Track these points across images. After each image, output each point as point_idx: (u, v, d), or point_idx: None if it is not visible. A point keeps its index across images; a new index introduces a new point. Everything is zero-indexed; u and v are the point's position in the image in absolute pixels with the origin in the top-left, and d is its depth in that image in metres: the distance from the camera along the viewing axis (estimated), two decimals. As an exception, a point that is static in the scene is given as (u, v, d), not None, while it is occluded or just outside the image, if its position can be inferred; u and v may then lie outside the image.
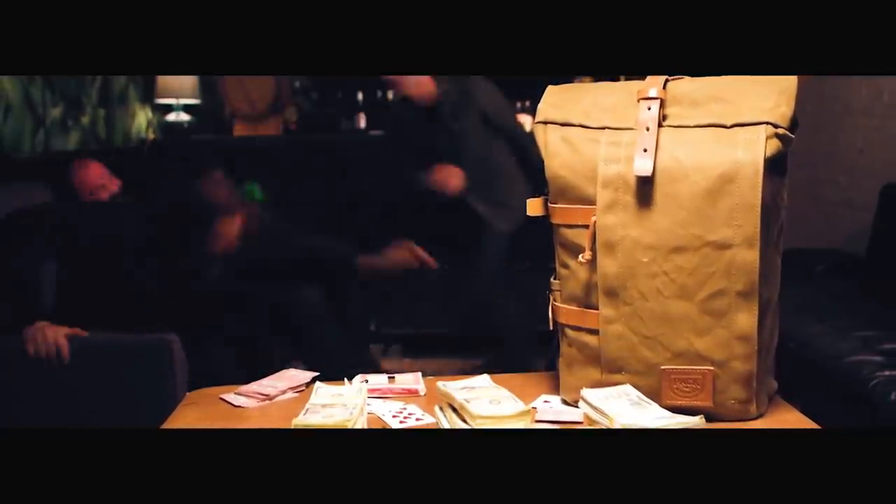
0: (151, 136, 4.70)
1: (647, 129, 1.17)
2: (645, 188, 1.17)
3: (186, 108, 4.81)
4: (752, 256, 1.14)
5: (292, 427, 1.11)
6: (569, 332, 1.28)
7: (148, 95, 4.63)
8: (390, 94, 4.89)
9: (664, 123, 1.19)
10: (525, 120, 5.26)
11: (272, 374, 1.46)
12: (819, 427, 1.19)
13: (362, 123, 6.01)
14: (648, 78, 1.22)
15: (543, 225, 1.30)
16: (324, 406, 1.17)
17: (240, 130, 4.81)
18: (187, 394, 1.43)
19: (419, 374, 1.45)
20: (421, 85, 3.16)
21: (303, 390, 1.41)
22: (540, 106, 1.29)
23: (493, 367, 2.41)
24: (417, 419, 1.26)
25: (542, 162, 1.26)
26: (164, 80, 4.62)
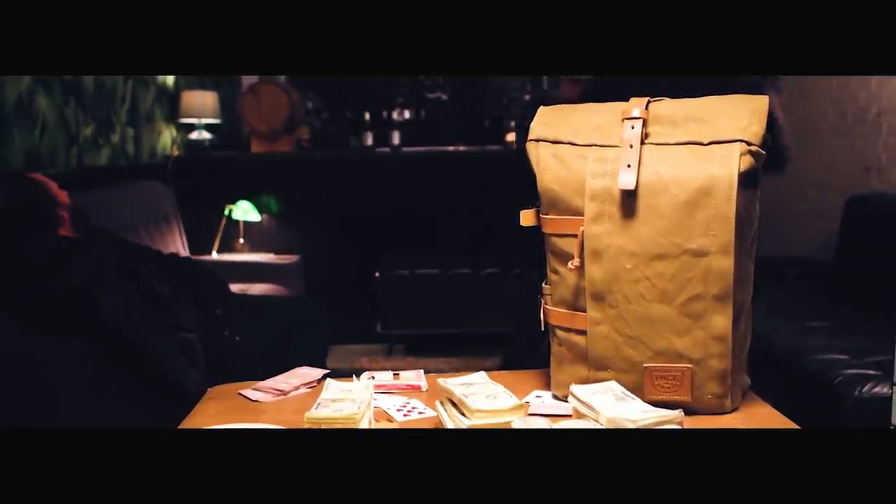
0: (176, 152, 4.71)
1: (631, 147, 1.18)
2: (629, 200, 1.17)
3: (208, 127, 4.82)
4: (727, 263, 1.14)
5: (305, 419, 1.11)
6: (559, 332, 1.28)
7: (173, 115, 4.64)
8: None
9: (646, 141, 1.19)
10: (513, 137, 5.28)
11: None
12: (786, 418, 1.20)
13: (369, 141, 6.01)
14: (632, 99, 1.22)
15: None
16: (334, 401, 1.17)
17: (256, 147, 4.81)
18: (209, 389, 1.43)
19: (421, 371, 1.45)
20: None
21: (315, 386, 1.41)
22: (532, 125, 1.29)
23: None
24: (420, 413, 1.26)
25: (535, 176, 1.26)
26: (188, 102, 4.62)
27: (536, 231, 1.29)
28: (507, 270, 4.03)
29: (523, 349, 3.10)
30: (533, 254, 1.37)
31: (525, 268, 3.94)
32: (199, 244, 4.28)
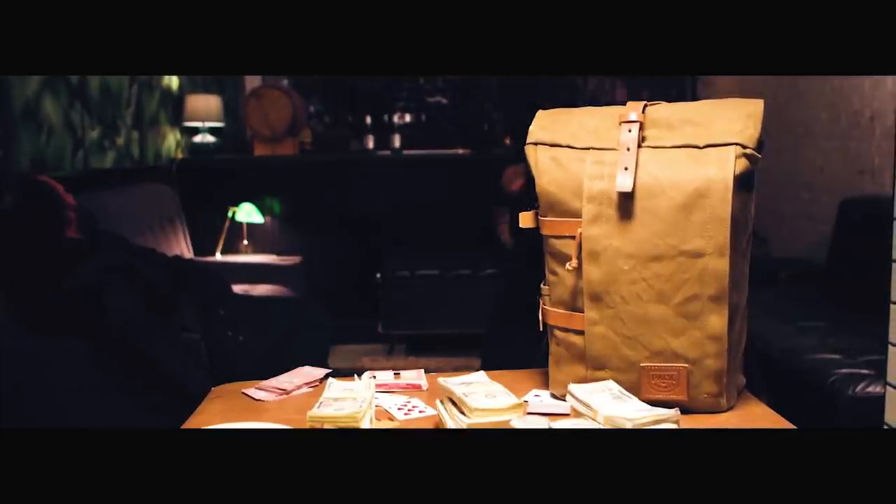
0: (180, 155, 4.71)
1: (628, 150, 1.18)
2: (626, 203, 1.17)
3: (211, 131, 4.82)
4: (722, 264, 1.14)
5: (307, 418, 1.11)
6: (557, 332, 1.28)
7: (177, 119, 4.64)
8: None
9: (643, 144, 1.19)
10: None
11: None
12: (781, 417, 1.20)
13: (370, 144, 6.02)
14: (629, 103, 1.23)
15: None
16: (336, 399, 1.17)
17: (259, 150, 4.81)
18: (212, 388, 1.42)
19: (422, 370, 1.45)
20: None
21: (317, 385, 1.41)
22: (531, 128, 1.29)
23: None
24: (420, 412, 1.26)
25: (534, 179, 1.26)
26: (192, 105, 4.63)
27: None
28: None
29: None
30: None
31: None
32: (203, 246, 4.29)
